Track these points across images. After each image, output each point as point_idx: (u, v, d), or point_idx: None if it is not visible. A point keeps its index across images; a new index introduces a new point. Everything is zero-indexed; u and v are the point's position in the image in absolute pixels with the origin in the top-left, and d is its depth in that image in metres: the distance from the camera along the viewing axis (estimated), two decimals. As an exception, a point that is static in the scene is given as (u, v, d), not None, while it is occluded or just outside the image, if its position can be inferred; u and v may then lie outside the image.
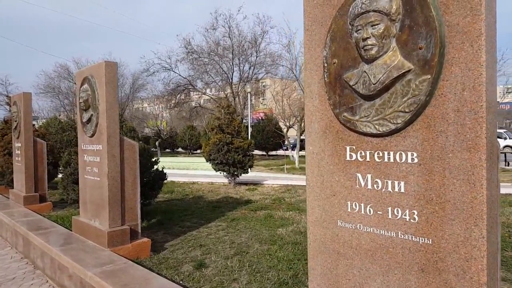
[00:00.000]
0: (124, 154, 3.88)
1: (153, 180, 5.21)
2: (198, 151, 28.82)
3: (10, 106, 8.36)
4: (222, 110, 8.25)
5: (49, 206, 6.14)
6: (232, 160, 7.94)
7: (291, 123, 19.56)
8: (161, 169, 5.52)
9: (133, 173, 3.94)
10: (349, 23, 1.52)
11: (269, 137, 20.15)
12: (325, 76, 1.66)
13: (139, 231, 3.97)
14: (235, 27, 17.48)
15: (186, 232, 4.80)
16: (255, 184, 8.84)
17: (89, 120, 3.93)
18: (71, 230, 4.46)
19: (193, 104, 22.52)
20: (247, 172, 8.43)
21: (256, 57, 18.08)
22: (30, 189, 6.00)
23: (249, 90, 16.95)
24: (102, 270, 3.01)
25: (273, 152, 22.57)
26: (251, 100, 17.33)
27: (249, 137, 15.20)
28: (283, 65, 16.79)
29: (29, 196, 5.94)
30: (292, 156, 19.45)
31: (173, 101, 19.65)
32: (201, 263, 3.56)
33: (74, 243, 3.85)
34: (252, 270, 3.35)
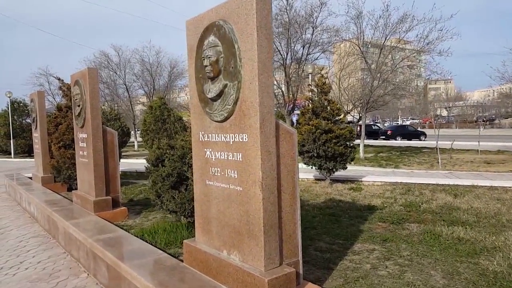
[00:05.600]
0: (280, 148, 2.35)
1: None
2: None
3: (64, 91, 7.20)
4: (316, 89, 6.58)
5: (124, 212, 4.85)
6: (332, 153, 6.29)
7: (348, 109, 17.52)
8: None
9: (291, 178, 2.42)
10: None
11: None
12: None
13: (301, 272, 2.47)
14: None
15: (334, 261, 3.26)
16: (352, 181, 7.18)
17: (219, 94, 2.43)
18: (176, 257, 3.06)
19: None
20: (345, 168, 6.76)
21: (312, 34, 15.99)
22: (100, 192, 4.71)
23: (310, 70, 15.05)
24: None
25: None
26: (310, 82, 15.41)
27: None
28: (346, 39, 14.58)
29: (100, 201, 4.66)
30: (349, 145, 17.51)
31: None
32: None
33: (201, 290, 2.42)
34: None
